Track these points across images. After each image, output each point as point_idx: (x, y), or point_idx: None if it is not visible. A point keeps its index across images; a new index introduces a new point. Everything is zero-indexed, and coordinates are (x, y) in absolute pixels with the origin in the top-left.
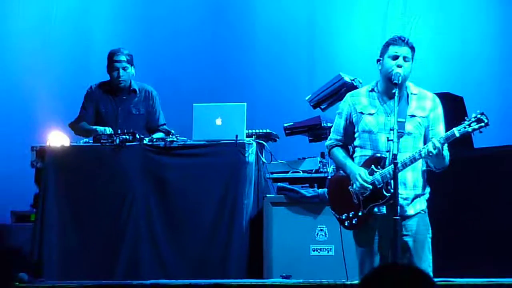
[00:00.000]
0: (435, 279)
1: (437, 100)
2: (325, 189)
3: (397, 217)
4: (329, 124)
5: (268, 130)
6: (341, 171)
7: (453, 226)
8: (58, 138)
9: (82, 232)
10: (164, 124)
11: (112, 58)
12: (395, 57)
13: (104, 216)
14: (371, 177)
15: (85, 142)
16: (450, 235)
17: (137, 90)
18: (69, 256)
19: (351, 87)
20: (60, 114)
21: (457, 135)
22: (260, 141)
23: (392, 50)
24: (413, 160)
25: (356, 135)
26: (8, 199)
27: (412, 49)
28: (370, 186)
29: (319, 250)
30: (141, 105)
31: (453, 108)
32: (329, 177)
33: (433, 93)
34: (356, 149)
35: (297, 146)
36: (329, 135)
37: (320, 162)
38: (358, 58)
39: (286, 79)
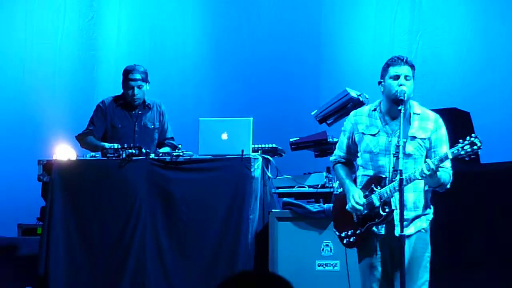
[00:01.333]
0: None
1: (440, 121)
2: (331, 205)
3: (402, 234)
4: (335, 139)
5: (274, 145)
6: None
7: (459, 241)
8: (64, 152)
9: (88, 246)
10: (172, 138)
11: (127, 76)
12: (396, 77)
13: (110, 230)
14: (364, 199)
15: (92, 156)
16: (455, 250)
17: (150, 104)
18: (75, 270)
19: (357, 102)
20: (67, 128)
21: (450, 156)
22: (266, 156)
23: (393, 70)
24: (408, 180)
25: (358, 154)
26: (15, 212)
27: (412, 67)
28: (361, 208)
29: (324, 266)
30: (155, 119)
31: (460, 123)
32: (335, 193)
33: (440, 108)
34: (359, 167)
35: (303, 161)
36: (334, 150)
37: (326, 177)
38: (364, 73)
39: (292, 94)
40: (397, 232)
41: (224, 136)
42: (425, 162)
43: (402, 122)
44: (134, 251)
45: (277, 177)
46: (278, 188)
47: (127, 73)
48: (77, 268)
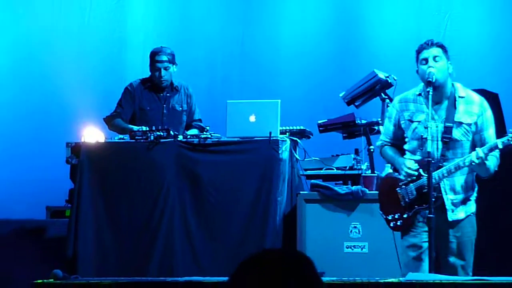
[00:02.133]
0: (471, 277)
1: (485, 104)
2: (359, 186)
3: (432, 215)
4: (363, 121)
5: (302, 127)
6: (394, 173)
7: (494, 226)
8: (93, 135)
9: (117, 228)
10: (200, 120)
11: (154, 58)
12: (425, 61)
13: (139, 212)
14: (416, 165)
15: (120, 139)
16: (491, 235)
17: (178, 86)
18: (103, 252)
19: (385, 84)
20: (95, 110)
21: (500, 146)
22: (294, 138)
23: (421, 56)
24: (457, 167)
25: (406, 139)
26: (43, 195)
27: (442, 47)
28: (415, 173)
29: (352, 247)
30: (183, 101)
31: (489, 105)
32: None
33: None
34: (407, 153)
35: (331, 143)
36: (362, 132)
37: (354, 159)
38: (392, 55)
39: (320, 76)
40: (450, 217)
41: (252, 118)
42: (473, 148)
43: (430, 105)
44: (162, 233)
45: (305, 159)
46: (306, 170)
47: (154, 55)
48: (105, 250)
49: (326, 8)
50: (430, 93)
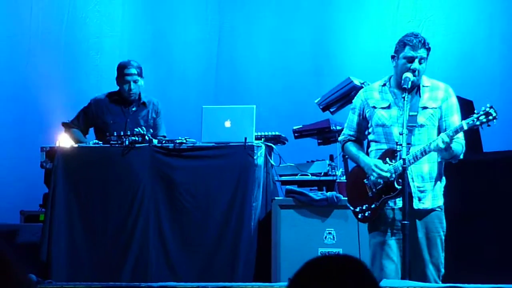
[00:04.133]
0: (446, 284)
1: (450, 90)
2: (334, 192)
3: (406, 222)
4: (338, 127)
5: (277, 133)
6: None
7: (462, 230)
8: (67, 139)
9: (91, 233)
10: (164, 137)
11: (122, 71)
12: (411, 60)
13: (113, 217)
14: (386, 165)
15: (95, 143)
16: (458, 239)
17: (146, 102)
18: (77, 257)
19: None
20: (70, 114)
21: (465, 127)
22: (269, 144)
23: (409, 52)
24: (423, 153)
25: (370, 129)
26: (17, 199)
27: (428, 49)
28: (388, 174)
29: (327, 254)
30: (149, 117)
31: (463, 111)
32: (338, 180)
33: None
34: (371, 143)
35: (306, 149)
36: (337, 138)
37: (328, 165)
38: (367, 61)
39: (295, 82)
40: (415, 205)
41: (227, 124)
42: (438, 134)
43: (405, 114)
44: (137, 238)
45: (280, 165)
46: (281, 176)
47: (123, 68)
48: (79, 255)
49: (302, 14)
50: (406, 99)
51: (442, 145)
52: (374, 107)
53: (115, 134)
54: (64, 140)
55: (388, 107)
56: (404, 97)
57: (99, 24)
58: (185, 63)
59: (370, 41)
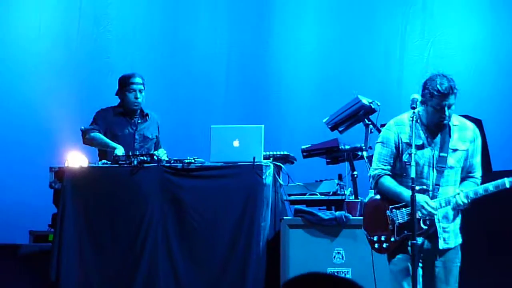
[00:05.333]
0: None
1: (477, 132)
2: (343, 212)
3: (415, 241)
4: (346, 147)
5: (285, 152)
6: (377, 196)
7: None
8: (76, 159)
9: (100, 253)
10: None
11: (128, 81)
12: (440, 109)
13: (122, 236)
14: (436, 204)
15: (103, 163)
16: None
17: (149, 114)
18: (87, 276)
19: (369, 109)
20: (78, 135)
21: (508, 185)
22: (278, 163)
23: (437, 102)
24: (447, 203)
25: (398, 165)
26: (26, 219)
27: (456, 93)
28: (436, 212)
29: (336, 273)
30: (153, 129)
31: None
32: (347, 200)
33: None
34: (396, 177)
35: (315, 168)
36: (346, 158)
37: (337, 184)
38: (376, 80)
39: (304, 102)
40: (441, 245)
41: (236, 143)
42: (459, 193)
43: (413, 138)
44: (146, 258)
45: (289, 184)
46: (289, 195)
47: (128, 78)
48: (88, 275)
49: (311, 33)
50: (439, 140)
51: (461, 205)
52: (408, 144)
53: (122, 154)
54: (73, 161)
55: (422, 146)
56: (438, 128)
57: (109, 44)
58: (194, 82)
59: (378, 61)
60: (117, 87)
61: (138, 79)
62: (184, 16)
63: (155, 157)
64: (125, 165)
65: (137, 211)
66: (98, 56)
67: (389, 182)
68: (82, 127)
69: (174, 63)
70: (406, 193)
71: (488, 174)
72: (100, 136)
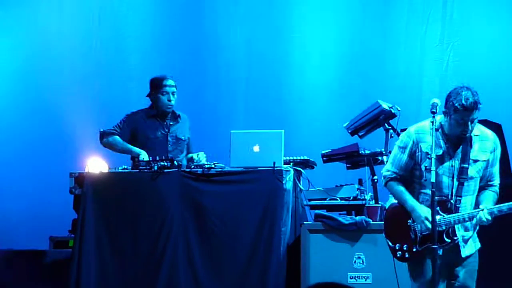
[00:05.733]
0: None
1: (498, 141)
2: (363, 217)
3: (435, 246)
4: (367, 151)
5: (305, 157)
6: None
7: (493, 253)
8: (96, 165)
9: (120, 259)
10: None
11: (161, 83)
12: (463, 124)
13: (142, 242)
14: (437, 218)
15: (124, 169)
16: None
17: (181, 115)
18: (107, 283)
19: (389, 114)
20: (98, 141)
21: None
22: (298, 168)
23: (461, 117)
24: (467, 219)
25: (417, 172)
26: (47, 225)
27: (479, 108)
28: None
29: (356, 278)
30: (185, 130)
31: None
32: (367, 205)
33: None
34: (416, 185)
35: (335, 173)
36: (366, 162)
37: (357, 189)
38: (396, 85)
39: (324, 107)
40: (463, 253)
41: (256, 149)
42: (483, 209)
43: (432, 142)
44: (166, 263)
45: (309, 189)
46: (310, 200)
47: (161, 80)
48: (108, 281)
49: (331, 38)
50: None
51: (485, 222)
52: (427, 153)
53: (141, 155)
54: (93, 166)
55: (442, 155)
56: (459, 139)
57: (129, 51)
58: (214, 87)
59: (398, 65)
60: (149, 89)
61: (170, 81)
62: (203, 21)
63: (175, 162)
64: (146, 170)
65: (158, 217)
66: (117, 62)
67: (397, 187)
68: (101, 129)
69: (194, 69)
70: (412, 202)
71: (508, 178)
72: (121, 141)
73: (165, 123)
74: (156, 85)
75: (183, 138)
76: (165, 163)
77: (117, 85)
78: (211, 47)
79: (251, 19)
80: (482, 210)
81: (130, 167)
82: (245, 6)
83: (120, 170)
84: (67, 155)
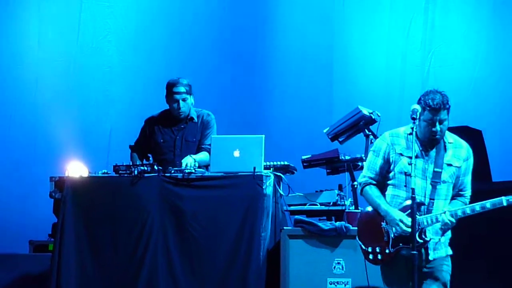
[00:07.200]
0: None
1: (471, 151)
2: (343, 222)
3: (415, 252)
4: (347, 157)
5: (286, 163)
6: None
7: (470, 257)
8: (76, 169)
9: (100, 262)
10: (210, 145)
11: (171, 90)
12: (432, 123)
13: (122, 246)
14: (410, 221)
15: (104, 173)
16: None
17: (195, 117)
18: (87, 286)
19: (369, 120)
20: (78, 144)
21: (505, 204)
22: (278, 174)
23: (429, 116)
24: (436, 221)
25: (391, 174)
26: (26, 229)
27: (448, 108)
28: (410, 230)
29: (336, 284)
30: (197, 131)
31: (472, 142)
32: (347, 211)
33: (452, 126)
34: (389, 187)
35: (315, 178)
36: (346, 168)
37: (337, 195)
38: (377, 91)
39: (304, 112)
40: (431, 256)
41: (236, 154)
42: (445, 212)
43: (413, 147)
44: (146, 268)
45: (289, 195)
46: (289, 205)
47: (171, 86)
48: (88, 285)
49: (312, 43)
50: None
51: (449, 225)
52: (401, 154)
53: (125, 164)
54: (73, 170)
55: (415, 157)
56: (432, 143)
57: (110, 54)
58: (195, 92)
59: (379, 70)
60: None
61: (180, 88)
62: (184, 25)
63: (155, 167)
64: (125, 175)
65: (138, 221)
66: (99, 66)
67: (372, 191)
68: (130, 144)
69: (178, 73)
70: (385, 207)
71: (488, 184)
72: (135, 157)
73: (175, 127)
74: (167, 92)
75: (192, 140)
76: (145, 168)
77: (97, 88)
78: (198, 52)
79: (232, 23)
80: (444, 212)
81: (111, 172)
82: (226, 10)
83: (100, 175)
84: (47, 159)
